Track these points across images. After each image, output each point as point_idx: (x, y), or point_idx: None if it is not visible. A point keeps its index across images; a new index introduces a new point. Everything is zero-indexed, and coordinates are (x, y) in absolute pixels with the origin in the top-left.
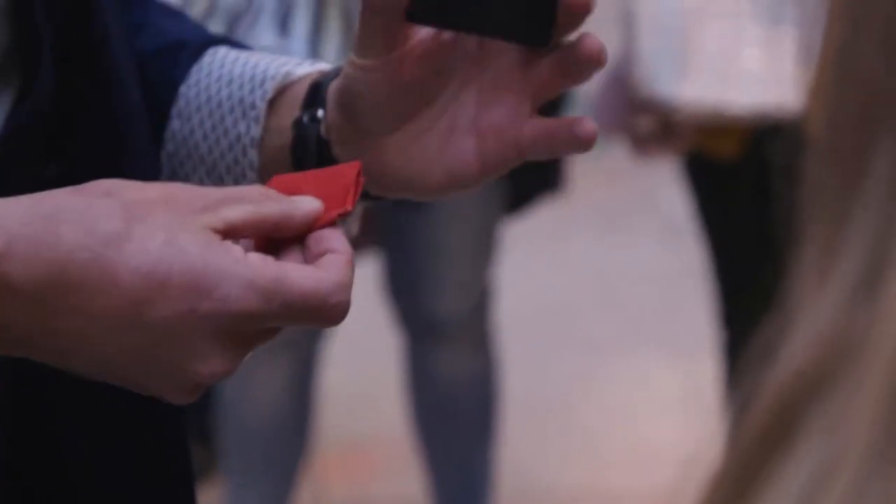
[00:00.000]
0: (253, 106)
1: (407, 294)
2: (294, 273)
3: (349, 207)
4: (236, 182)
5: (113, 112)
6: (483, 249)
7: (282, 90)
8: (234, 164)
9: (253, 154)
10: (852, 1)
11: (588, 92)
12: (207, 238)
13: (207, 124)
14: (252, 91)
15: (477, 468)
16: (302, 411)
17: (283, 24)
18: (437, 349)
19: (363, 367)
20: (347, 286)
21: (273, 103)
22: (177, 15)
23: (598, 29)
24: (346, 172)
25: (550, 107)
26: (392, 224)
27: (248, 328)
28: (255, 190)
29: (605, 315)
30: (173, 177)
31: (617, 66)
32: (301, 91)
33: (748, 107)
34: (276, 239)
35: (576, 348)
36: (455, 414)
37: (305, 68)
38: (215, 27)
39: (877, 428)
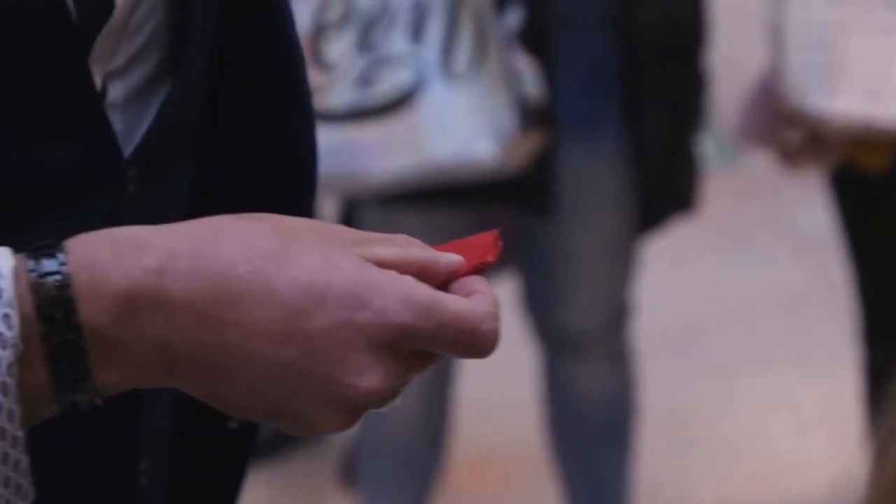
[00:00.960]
0: None
1: (541, 306)
2: (449, 297)
3: (489, 258)
4: None
5: (261, 119)
6: (617, 264)
7: None
8: None
9: None
10: None
11: (721, 105)
12: (360, 261)
13: None
14: None
15: (612, 483)
16: (438, 422)
17: (417, 30)
18: (573, 363)
19: (499, 379)
20: (497, 318)
21: None
22: None
23: (747, 41)
24: (485, 237)
25: (685, 128)
26: (526, 236)
27: (402, 345)
28: (401, 237)
29: (740, 332)
30: None
31: (765, 79)
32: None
33: None
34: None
35: (711, 365)
36: (591, 428)
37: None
38: (349, 32)
39: None
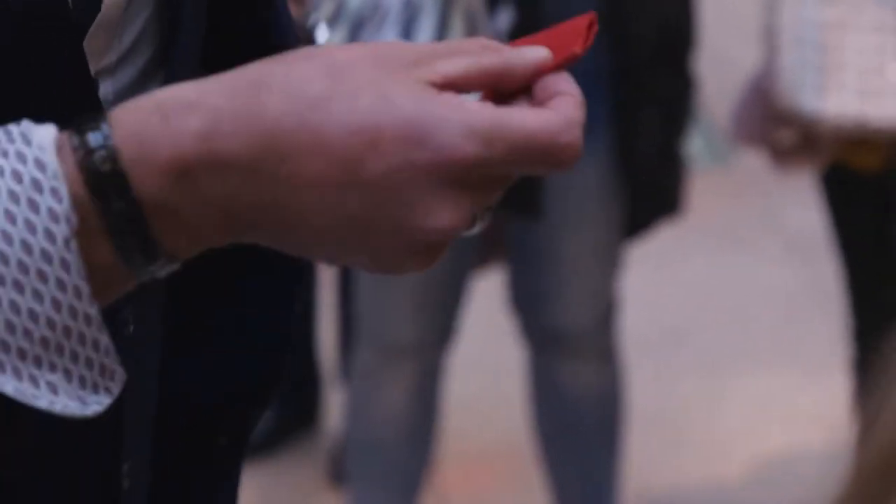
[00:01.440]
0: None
1: (529, 305)
2: (518, 115)
3: (577, 51)
4: None
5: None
6: (605, 261)
7: None
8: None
9: None
10: None
11: (713, 104)
12: (421, 89)
13: None
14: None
15: (601, 482)
16: (426, 421)
17: (408, 29)
18: (561, 361)
19: (488, 378)
20: (577, 125)
21: None
22: None
23: (741, 41)
24: (579, 22)
25: (675, 131)
26: (515, 235)
27: (471, 177)
28: (475, 42)
29: (729, 332)
30: None
31: (758, 78)
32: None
33: (891, 120)
34: (504, 92)
35: (700, 364)
36: (579, 427)
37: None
38: (340, 31)
39: None
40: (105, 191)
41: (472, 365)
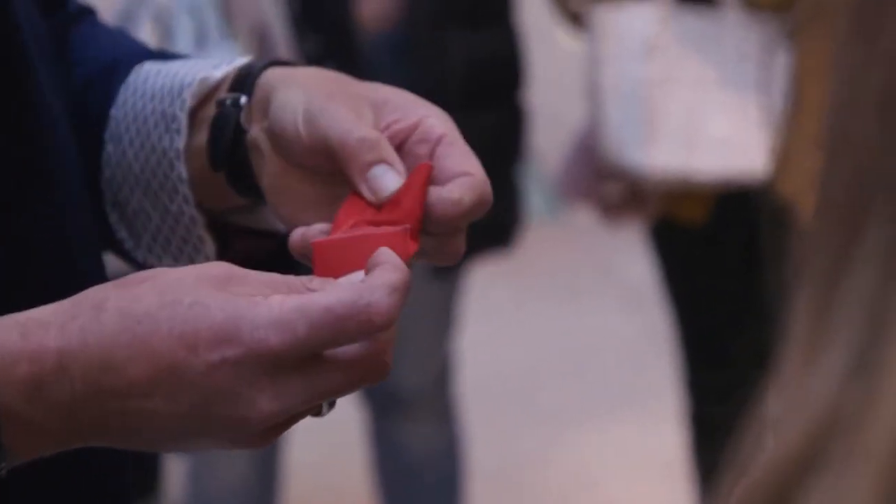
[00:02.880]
0: (174, 117)
1: None
2: (318, 295)
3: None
4: (170, 199)
5: (46, 187)
6: (439, 321)
7: (205, 98)
8: (164, 179)
9: (180, 167)
10: (849, 65)
11: (545, 159)
12: (232, 297)
13: (136, 143)
14: (172, 102)
15: None
16: (268, 486)
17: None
18: (400, 423)
19: (329, 442)
20: (380, 288)
21: (196, 111)
22: (114, 34)
23: (565, 97)
24: (397, 234)
25: (500, 162)
26: None
27: (285, 362)
28: (297, 280)
29: (568, 383)
30: (114, 202)
31: (583, 134)
32: (226, 85)
33: (714, 173)
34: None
35: (540, 416)
36: (420, 487)
37: (223, 69)
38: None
39: None
40: None
41: (313, 430)
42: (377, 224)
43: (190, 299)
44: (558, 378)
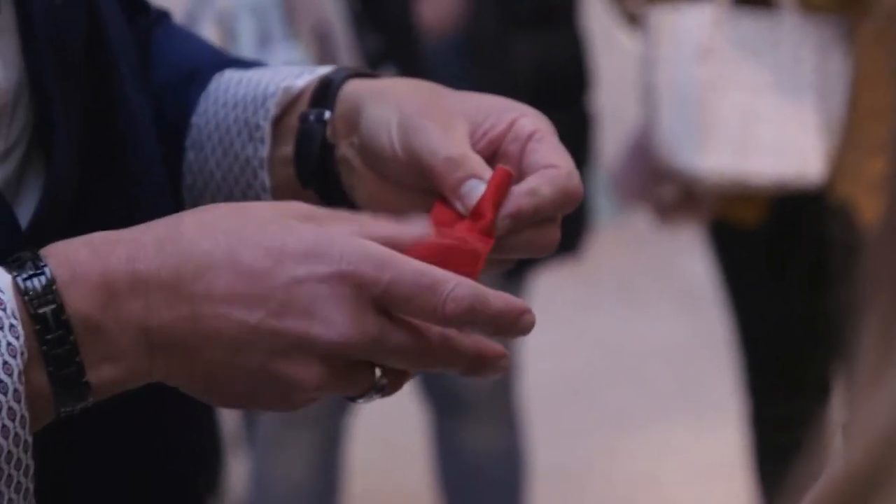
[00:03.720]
0: (258, 126)
1: None
2: (408, 259)
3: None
4: None
5: (133, 180)
6: None
7: (288, 106)
8: (247, 187)
9: (263, 175)
10: None
11: (609, 162)
12: (318, 225)
13: (218, 151)
14: (255, 112)
15: None
16: (329, 487)
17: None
18: (462, 424)
19: (390, 441)
20: (467, 283)
21: (280, 120)
22: (190, 39)
23: (620, 99)
24: (478, 246)
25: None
26: None
27: (363, 293)
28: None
29: (629, 386)
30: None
31: (638, 136)
32: (308, 95)
33: (769, 176)
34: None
35: (602, 418)
36: (481, 487)
37: (306, 78)
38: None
39: None
40: (42, 315)
41: (375, 430)
42: (461, 228)
43: (277, 222)
44: (620, 380)
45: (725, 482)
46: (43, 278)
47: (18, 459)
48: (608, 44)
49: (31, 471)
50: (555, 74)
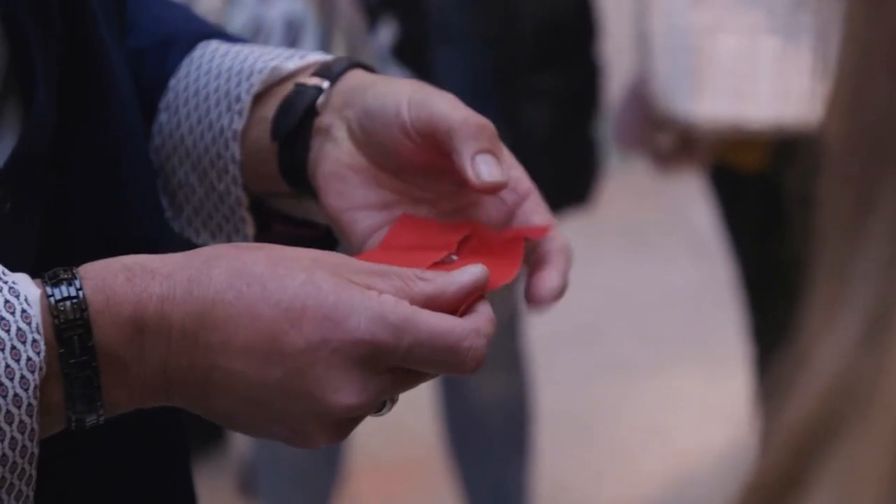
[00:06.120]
0: (238, 99)
1: None
2: (427, 315)
3: (510, 278)
4: (219, 177)
5: (110, 123)
6: None
7: (273, 86)
8: (216, 157)
9: (235, 147)
10: (863, 27)
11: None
12: (346, 283)
13: (193, 117)
14: (238, 84)
15: (512, 488)
16: None
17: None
18: None
19: None
20: (483, 336)
21: (260, 97)
22: (173, 6)
23: (615, 47)
24: (516, 242)
25: (573, 120)
26: None
27: (379, 363)
28: (409, 271)
29: (636, 332)
30: (160, 172)
31: (634, 84)
32: (295, 78)
33: (766, 121)
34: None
35: (608, 366)
36: (488, 433)
37: (295, 62)
38: None
39: (883, 486)
40: (70, 338)
41: None
42: (423, 248)
43: (304, 277)
44: (627, 327)
45: (734, 429)
46: (76, 301)
47: (23, 470)
48: None
49: (34, 481)
50: (561, 25)
